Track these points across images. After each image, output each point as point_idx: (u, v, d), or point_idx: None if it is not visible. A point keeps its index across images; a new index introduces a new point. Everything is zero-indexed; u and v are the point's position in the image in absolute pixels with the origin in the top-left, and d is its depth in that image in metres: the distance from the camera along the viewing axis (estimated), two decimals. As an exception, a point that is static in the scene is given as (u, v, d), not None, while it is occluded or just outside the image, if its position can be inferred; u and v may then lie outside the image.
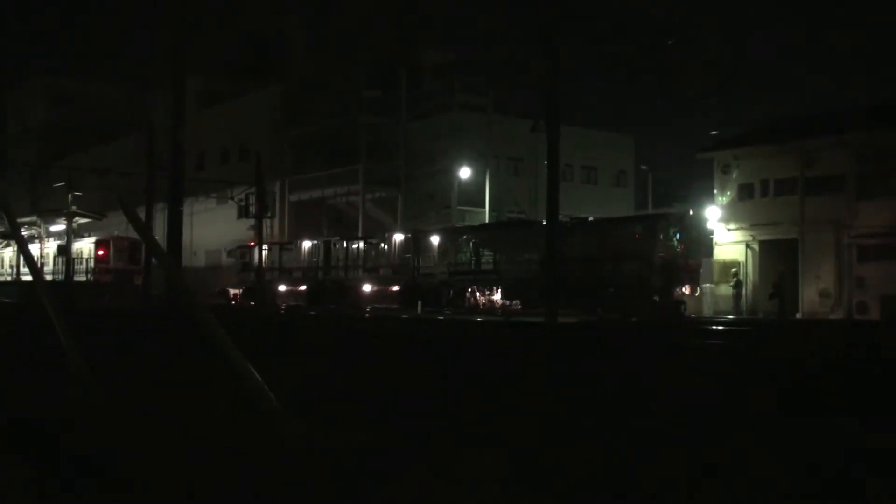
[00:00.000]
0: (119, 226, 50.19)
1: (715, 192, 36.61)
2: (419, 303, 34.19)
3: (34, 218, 51.48)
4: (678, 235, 30.19)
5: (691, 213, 33.23)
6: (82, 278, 45.63)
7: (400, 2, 61.74)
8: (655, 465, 4.08)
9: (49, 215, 50.93)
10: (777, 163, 34.71)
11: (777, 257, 34.52)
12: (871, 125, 32.22)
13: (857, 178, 32.50)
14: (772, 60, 75.53)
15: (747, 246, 35.51)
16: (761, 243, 35.32)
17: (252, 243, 43.26)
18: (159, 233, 29.36)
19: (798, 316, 32.72)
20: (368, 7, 51.04)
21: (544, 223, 27.59)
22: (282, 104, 53.40)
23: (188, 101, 28.28)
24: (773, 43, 78.81)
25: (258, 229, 41.69)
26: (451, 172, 43.82)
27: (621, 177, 53.33)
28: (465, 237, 36.12)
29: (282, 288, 43.10)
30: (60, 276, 43.95)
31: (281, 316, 28.53)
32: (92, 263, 47.09)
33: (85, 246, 47.91)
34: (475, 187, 43.14)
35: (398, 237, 38.56)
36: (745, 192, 35.85)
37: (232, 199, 49.20)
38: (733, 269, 34.89)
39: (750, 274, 35.27)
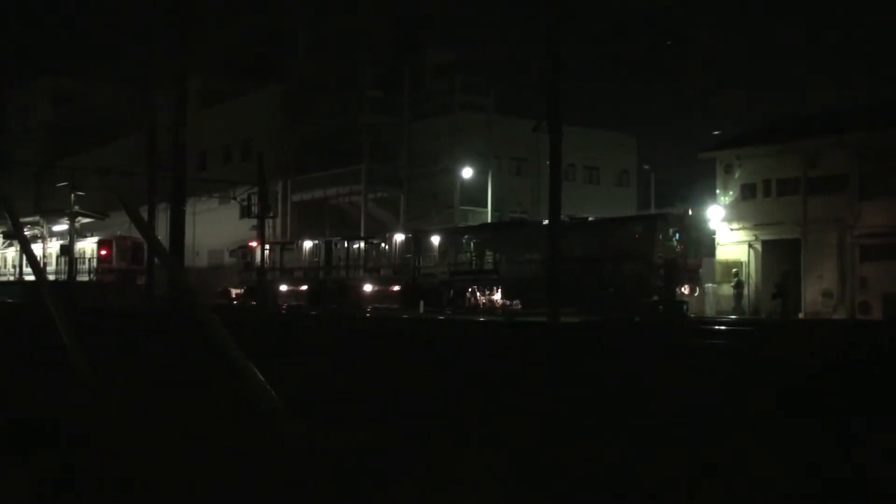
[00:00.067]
0: (122, 226, 50.32)
1: (717, 191, 36.58)
2: (420, 303, 34.20)
3: (37, 218, 51.52)
4: (678, 235, 30.18)
5: (690, 212, 33.21)
6: (85, 278, 45.70)
7: (401, 2, 61.75)
8: (655, 465, 4.09)
9: (52, 215, 51.00)
10: (779, 163, 34.69)
11: (780, 257, 34.51)
12: (871, 125, 32.20)
13: (859, 178, 32.48)
14: (771, 60, 75.37)
15: (750, 246, 35.48)
16: (764, 243, 35.30)
17: (254, 243, 43.28)
18: (162, 233, 29.47)
19: (800, 316, 32.70)
20: (370, 7, 50.95)
21: (544, 223, 27.58)
22: (283, 104, 53.45)
23: (189, 100, 28.23)
24: (773, 43, 78.69)
25: (260, 229, 41.72)
26: (453, 172, 43.87)
27: (624, 177, 53.33)
28: (465, 237, 36.13)
29: (283, 288, 43.12)
30: (63, 276, 44.02)
31: (282, 316, 28.55)
32: (94, 263, 47.13)
33: (88, 246, 47.95)
34: (478, 187, 43.17)
35: (399, 237, 38.57)
36: (747, 192, 35.83)
37: (234, 199, 49.27)
38: (734, 269, 34.87)
39: (753, 274, 35.25)
